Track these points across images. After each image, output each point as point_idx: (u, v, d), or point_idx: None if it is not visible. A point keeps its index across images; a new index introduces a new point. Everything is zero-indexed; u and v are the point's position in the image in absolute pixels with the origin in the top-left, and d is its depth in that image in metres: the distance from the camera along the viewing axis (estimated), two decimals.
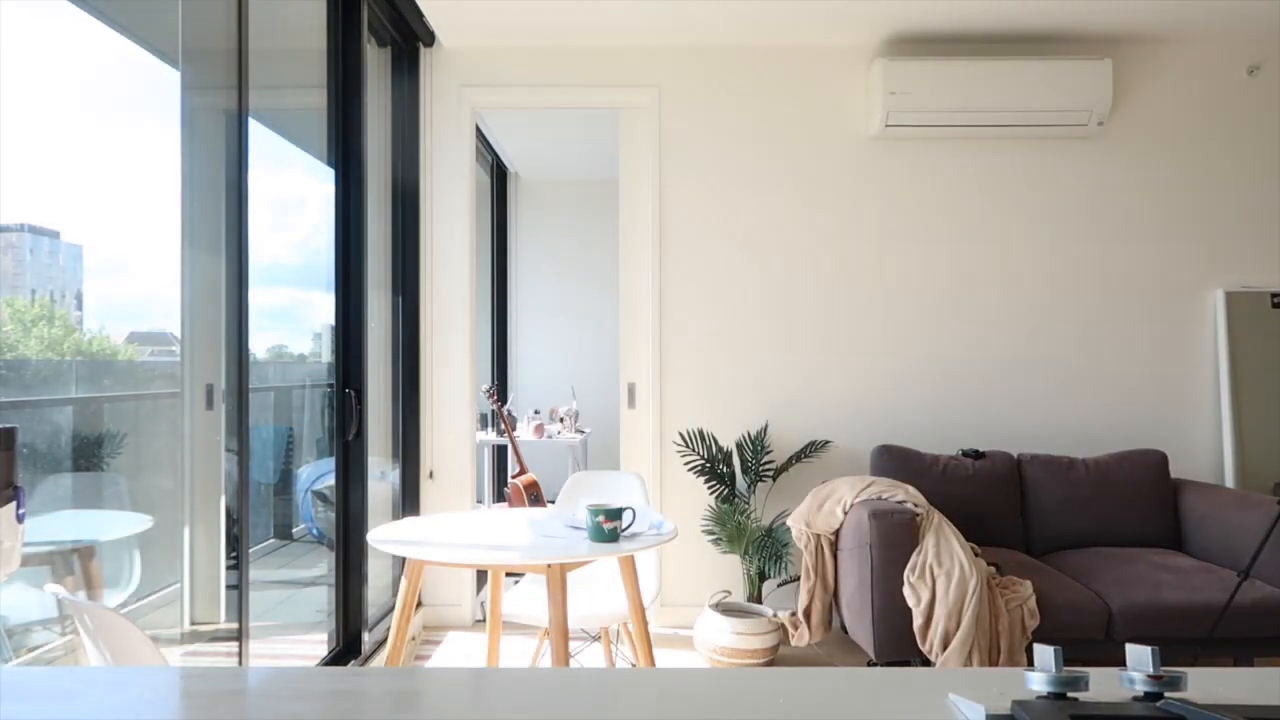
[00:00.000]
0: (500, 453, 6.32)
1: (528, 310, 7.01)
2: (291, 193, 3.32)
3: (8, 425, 1.21)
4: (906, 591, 2.97)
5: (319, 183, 3.29)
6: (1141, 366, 3.99)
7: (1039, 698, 0.61)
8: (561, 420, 5.65)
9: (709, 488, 3.80)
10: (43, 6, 2.00)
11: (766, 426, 3.97)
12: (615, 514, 2.27)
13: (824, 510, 3.34)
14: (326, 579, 3.31)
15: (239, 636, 2.53)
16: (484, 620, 4.06)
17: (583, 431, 5.78)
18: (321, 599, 3.34)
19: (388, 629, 3.48)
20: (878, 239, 3.99)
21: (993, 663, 2.94)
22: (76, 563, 2.26)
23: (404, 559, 3.04)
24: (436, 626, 4.01)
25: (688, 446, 3.88)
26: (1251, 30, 3.85)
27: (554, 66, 3.98)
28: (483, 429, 5.57)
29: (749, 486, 3.83)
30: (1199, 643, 2.98)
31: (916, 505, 3.12)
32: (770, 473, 3.87)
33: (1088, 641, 3.01)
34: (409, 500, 3.97)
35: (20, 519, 1.24)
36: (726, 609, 3.57)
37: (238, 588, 2.55)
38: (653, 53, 3.99)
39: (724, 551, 3.72)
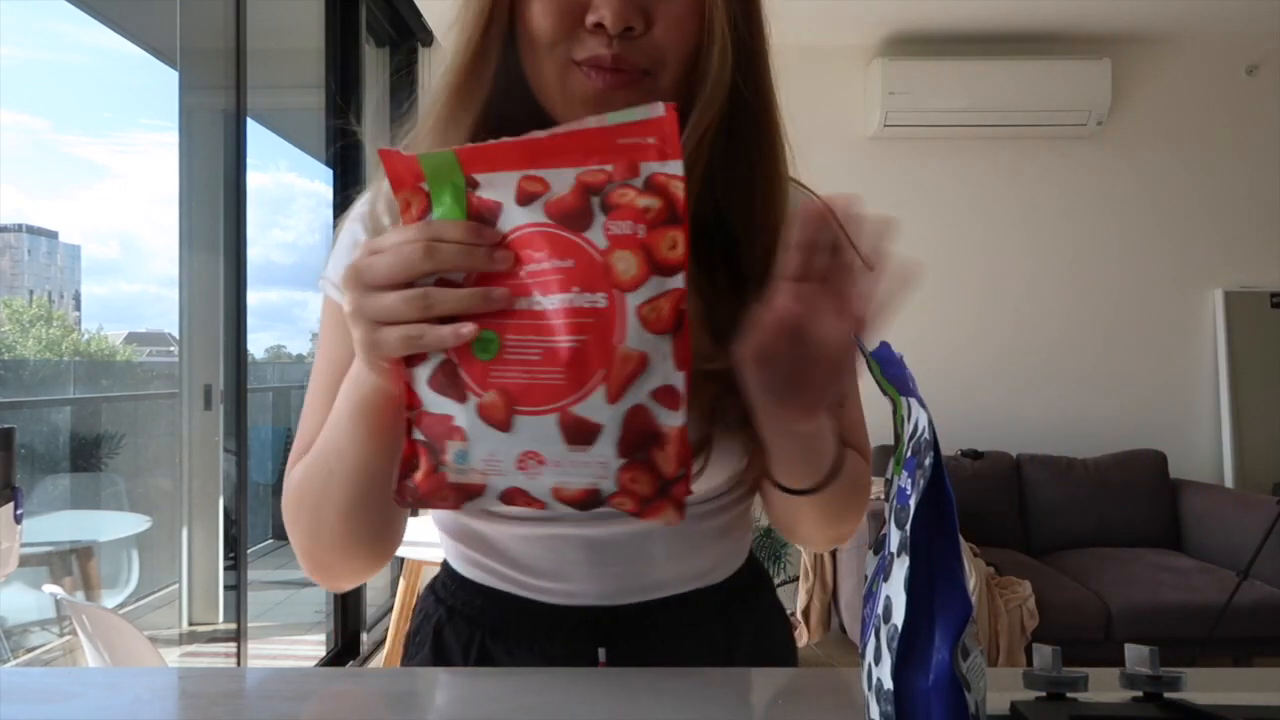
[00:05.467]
0: None
1: None
2: (289, 192, 3.32)
3: (6, 426, 1.21)
4: None
5: (317, 183, 3.29)
6: (1141, 366, 3.98)
7: (1038, 698, 0.61)
8: None
9: None
10: (42, 6, 2.00)
11: None
12: None
13: None
14: None
15: (237, 637, 2.53)
16: None
17: None
18: (320, 599, 3.34)
19: (386, 629, 3.48)
20: None
21: (992, 663, 2.94)
22: (75, 563, 2.26)
23: (402, 559, 3.04)
24: None
25: None
26: (1251, 30, 3.85)
27: None
28: None
29: None
30: (1199, 643, 2.97)
31: None
32: None
33: (1087, 641, 3.01)
34: None
35: (18, 519, 1.24)
36: None
37: (236, 588, 2.55)
38: None
39: None
